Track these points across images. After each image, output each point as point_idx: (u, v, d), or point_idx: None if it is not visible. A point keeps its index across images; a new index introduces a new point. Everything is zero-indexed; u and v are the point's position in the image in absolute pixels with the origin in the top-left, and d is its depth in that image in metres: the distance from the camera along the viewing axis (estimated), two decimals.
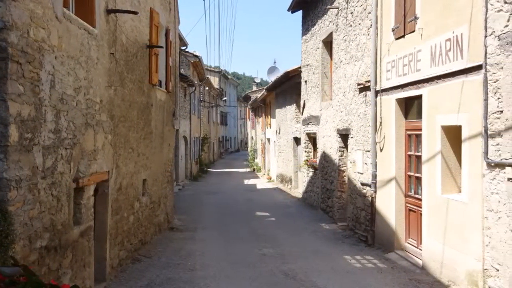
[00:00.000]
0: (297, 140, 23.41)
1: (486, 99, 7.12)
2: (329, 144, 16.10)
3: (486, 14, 7.08)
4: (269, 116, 33.90)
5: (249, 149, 55.07)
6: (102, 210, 8.51)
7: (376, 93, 11.42)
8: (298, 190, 23.23)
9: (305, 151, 20.37)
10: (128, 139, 9.80)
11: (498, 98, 6.86)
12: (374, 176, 11.58)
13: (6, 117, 4.82)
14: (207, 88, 42.11)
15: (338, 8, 14.82)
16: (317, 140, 18.16)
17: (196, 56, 31.75)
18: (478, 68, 7.39)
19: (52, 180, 5.94)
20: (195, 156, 34.67)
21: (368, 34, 12.01)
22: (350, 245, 11.91)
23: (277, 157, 29.42)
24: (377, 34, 11.44)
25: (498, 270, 6.91)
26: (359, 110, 12.72)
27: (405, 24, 9.99)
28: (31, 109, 5.29)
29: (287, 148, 25.68)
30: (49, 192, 5.87)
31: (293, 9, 20.42)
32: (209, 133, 44.72)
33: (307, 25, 19.79)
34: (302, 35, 20.63)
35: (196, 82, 32.23)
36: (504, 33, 6.72)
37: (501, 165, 6.82)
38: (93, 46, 7.56)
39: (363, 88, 12.29)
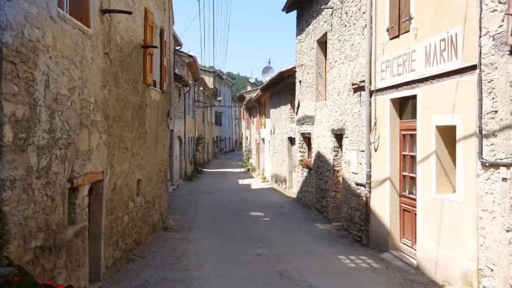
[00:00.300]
0: (291, 140, 23.42)
1: (480, 99, 7.14)
2: (323, 144, 16.11)
3: (480, 14, 7.10)
4: (263, 116, 33.91)
5: (243, 149, 55.11)
6: (97, 210, 8.49)
7: (371, 93, 11.44)
8: (292, 190, 23.25)
9: (300, 151, 20.38)
10: (122, 139, 9.78)
11: (493, 98, 6.88)
12: (369, 176, 11.60)
13: (0, 117, 4.80)
14: (201, 88, 42.08)
15: (332, 8, 14.83)
16: (311, 140, 18.18)
17: (191, 56, 31.71)
18: (472, 68, 7.41)
19: (46, 180, 5.92)
20: (190, 156, 34.64)
21: (363, 34, 12.02)
22: (345, 245, 11.91)
23: (271, 157, 29.42)
24: (371, 34, 11.46)
25: (492, 270, 6.93)
26: (353, 110, 12.73)
27: (399, 24, 10.01)
28: (25, 109, 5.27)
29: (282, 148, 25.69)
30: (44, 192, 5.85)
31: (287, 9, 20.41)
32: (204, 133, 44.69)
33: (301, 25, 19.80)
34: (297, 35, 20.64)
35: (190, 82, 32.20)
36: (499, 33, 6.74)
37: (495, 165, 6.84)
38: (88, 46, 7.54)
39: (358, 88, 12.30)
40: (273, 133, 28.34)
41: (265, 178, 31.53)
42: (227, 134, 74.80)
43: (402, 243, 10.39)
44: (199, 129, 41.16)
